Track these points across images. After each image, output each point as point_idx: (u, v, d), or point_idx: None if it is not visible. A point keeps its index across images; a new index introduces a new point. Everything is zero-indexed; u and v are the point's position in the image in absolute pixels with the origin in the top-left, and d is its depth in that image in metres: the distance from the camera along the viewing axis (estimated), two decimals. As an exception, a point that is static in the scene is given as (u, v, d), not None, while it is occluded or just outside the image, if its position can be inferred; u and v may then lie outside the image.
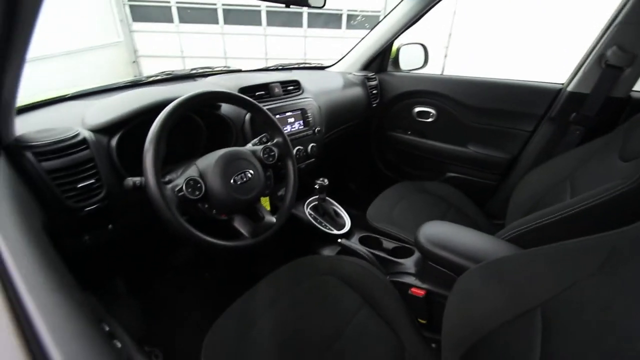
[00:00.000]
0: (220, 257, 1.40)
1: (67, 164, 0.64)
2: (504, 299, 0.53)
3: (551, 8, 5.10)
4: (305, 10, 5.86)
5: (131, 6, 5.48)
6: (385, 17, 1.48)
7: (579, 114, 1.16)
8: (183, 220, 0.64)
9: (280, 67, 1.48)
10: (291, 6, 0.89)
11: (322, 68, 1.67)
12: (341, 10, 6.13)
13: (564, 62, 1.56)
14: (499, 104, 1.36)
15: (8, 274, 0.33)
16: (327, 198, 1.30)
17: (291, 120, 1.14)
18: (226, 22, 5.85)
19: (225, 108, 0.96)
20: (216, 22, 5.81)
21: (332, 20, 6.27)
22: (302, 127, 1.18)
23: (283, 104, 1.12)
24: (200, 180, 0.69)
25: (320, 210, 1.28)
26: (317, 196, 1.27)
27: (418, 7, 1.36)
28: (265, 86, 1.11)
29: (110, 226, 0.80)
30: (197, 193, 0.68)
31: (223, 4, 5.69)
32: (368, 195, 1.39)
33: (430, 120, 1.56)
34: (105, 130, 0.73)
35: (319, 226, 1.21)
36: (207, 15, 5.75)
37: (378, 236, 1.17)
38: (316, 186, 1.22)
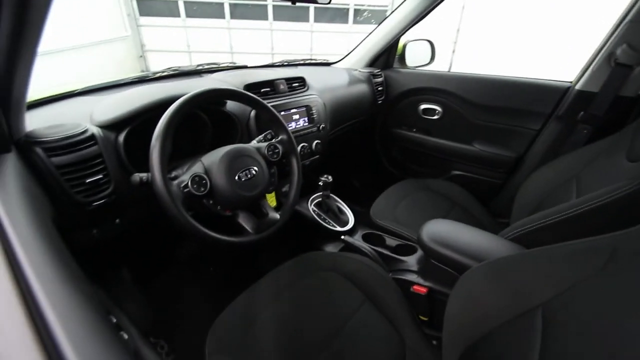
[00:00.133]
0: (225, 252, 1.41)
1: (76, 159, 0.66)
2: (506, 298, 0.53)
3: (563, 2, 5.01)
4: (312, 5, 5.82)
5: (138, 0, 5.49)
6: (392, 12, 1.47)
7: (586, 113, 1.14)
8: (188, 215, 0.65)
9: (285, 64, 1.48)
10: (297, 3, 0.89)
11: (328, 64, 1.66)
12: (348, 5, 6.08)
13: (574, 59, 1.53)
14: (506, 101, 1.35)
15: (20, 268, 0.35)
16: (331, 195, 1.30)
17: (296, 117, 1.14)
18: (232, 16, 5.83)
19: (231, 105, 0.97)
20: (223, 16, 5.80)
21: (338, 16, 6.22)
22: (306, 124, 1.18)
23: (288, 101, 1.13)
24: (206, 177, 0.70)
25: (324, 207, 1.28)
26: (321, 193, 1.28)
27: (425, 2, 1.34)
28: (270, 83, 1.12)
29: (117, 220, 0.82)
30: (203, 189, 0.69)
31: (230, -2, 5.69)
32: (372, 193, 1.39)
33: (436, 117, 1.55)
34: (112, 126, 0.74)
35: (322, 223, 1.21)
36: (213, 10, 5.74)
37: (381, 233, 1.17)
38: (320, 183, 1.23)
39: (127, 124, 0.75)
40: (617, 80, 1.05)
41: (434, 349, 0.72)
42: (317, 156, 1.24)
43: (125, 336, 0.48)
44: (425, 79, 1.55)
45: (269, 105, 0.87)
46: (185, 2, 5.61)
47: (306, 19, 6.13)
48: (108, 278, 1.09)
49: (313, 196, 1.31)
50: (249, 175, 0.75)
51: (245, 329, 0.73)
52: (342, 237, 1.17)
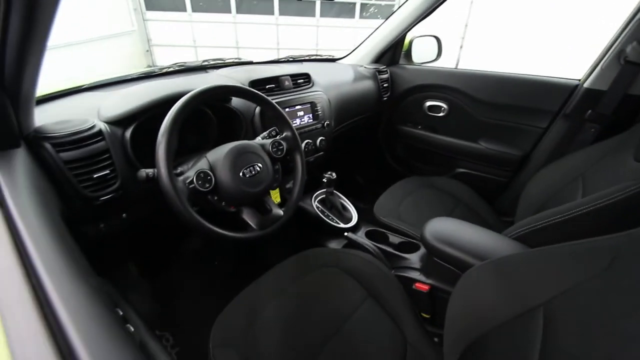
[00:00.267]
0: (229, 248, 1.43)
1: (84, 154, 0.67)
2: (507, 297, 0.53)
3: (573, -2, 4.91)
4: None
5: (145, -5, 5.50)
6: (399, 8, 1.46)
7: (594, 112, 1.13)
8: (193, 211, 0.66)
9: (291, 59, 1.48)
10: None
11: (333, 60, 1.66)
12: (355, 0, 6.03)
13: (583, 56, 1.51)
14: (513, 99, 1.33)
15: (30, 260, 0.36)
16: (335, 191, 1.31)
17: (301, 113, 1.15)
18: (239, 11, 5.82)
19: (236, 101, 0.97)
20: (229, 11, 5.79)
21: (345, 10, 6.17)
22: (311, 120, 1.18)
23: (293, 97, 1.13)
24: (211, 173, 0.71)
25: (328, 203, 1.29)
26: (324, 189, 1.28)
27: (433, -2, 1.33)
28: (275, 79, 1.12)
29: (124, 215, 0.83)
30: (207, 185, 0.70)
31: (235, -7, 5.67)
32: (376, 190, 1.39)
33: (441, 114, 1.54)
34: (119, 122, 0.75)
35: (326, 219, 1.22)
36: (219, 4, 5.73)
37: (384, 231, 1.17)
38: (324, 179, 1.23)
39: (133, 120, 0.76)
40: (626, 79, 1.04)
41: (436, 346, 0.72)
42: (322, 153, 1.24)
43: (132, 329, 0.49)
44: (431, 75, 1.54)
45: (273, 102, 0.87)
46: (191, -4, 5.60)
47: (312, 14, 6.10)
48: (115, 272, 1.11)
49: (317, 193, 1.31)
50: (253, 172, 0.76)
51: (248, 323, 0.74)
52: (345, 233, 1.18)
